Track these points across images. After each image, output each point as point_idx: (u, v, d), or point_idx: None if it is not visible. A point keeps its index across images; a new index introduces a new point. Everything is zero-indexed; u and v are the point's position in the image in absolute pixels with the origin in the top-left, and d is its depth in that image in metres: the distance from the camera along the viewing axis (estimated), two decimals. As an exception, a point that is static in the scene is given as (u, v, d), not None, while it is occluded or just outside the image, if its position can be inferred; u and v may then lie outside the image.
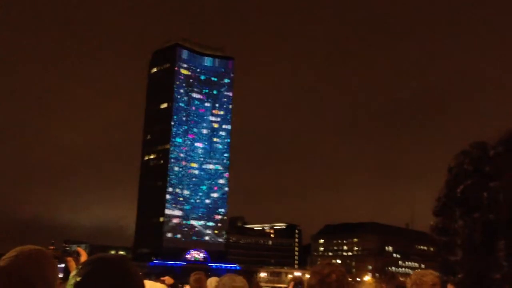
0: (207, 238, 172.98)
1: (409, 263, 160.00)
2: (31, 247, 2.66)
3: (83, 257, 3.35)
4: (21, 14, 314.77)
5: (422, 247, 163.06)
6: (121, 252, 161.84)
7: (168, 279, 8.65)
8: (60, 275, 2.85)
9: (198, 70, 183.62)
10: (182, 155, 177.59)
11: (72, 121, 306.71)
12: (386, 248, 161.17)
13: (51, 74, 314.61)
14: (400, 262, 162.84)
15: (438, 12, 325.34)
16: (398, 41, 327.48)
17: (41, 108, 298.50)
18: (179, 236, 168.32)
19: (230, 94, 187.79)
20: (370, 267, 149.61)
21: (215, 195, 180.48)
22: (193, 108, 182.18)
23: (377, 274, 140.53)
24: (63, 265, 3.33)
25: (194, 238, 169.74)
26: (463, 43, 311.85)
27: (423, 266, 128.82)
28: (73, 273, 1.93)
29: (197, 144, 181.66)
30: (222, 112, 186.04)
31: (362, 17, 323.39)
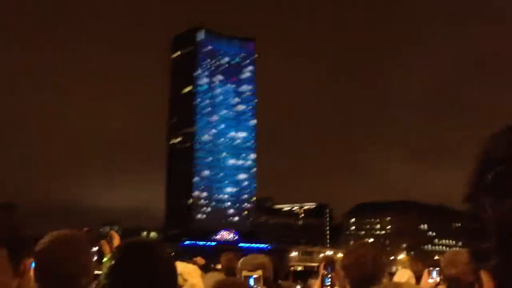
0: (236, 218, 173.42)
1: (445, 241, 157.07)
2: (65, 232, 2.73)
3: (116, 240, 3.41)
4: None
5: (457, 225, 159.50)
6: (152, 233, 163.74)
7: (199, 260, 8.80)
8: (94, 258, 2.92)
9: (220, 52, 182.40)
10: (207, 137, 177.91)
11: (102, 107, 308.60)
12: (421, 226, 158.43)
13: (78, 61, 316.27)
14: (435, 240, 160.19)
15: None
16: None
17: (74, 94, 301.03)
18: (208, 217, 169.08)
19: (253, 75, 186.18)
20: (404, 246, 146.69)
21: (243, 176, 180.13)
22: (217, 90, 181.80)
23: (412, 253, 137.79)
24: (96, 248, 3.37)
25: (224, 219, 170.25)
26: None
27: (459, 244, 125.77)
28: (108, 257, 2.07)
29: (222, 126, 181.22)
30: (246, 94, 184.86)
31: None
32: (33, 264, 2.41)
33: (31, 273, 2.35)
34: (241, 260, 4.68)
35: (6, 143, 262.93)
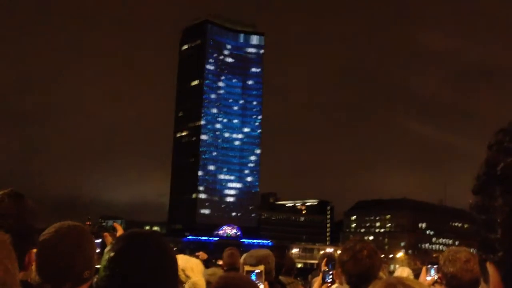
0: (239, 214, 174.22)
1: (443, 240, 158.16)
2: (69, 223, 2.68)
3: (119, 232, 3.43)
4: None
5: (456, 224, 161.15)
6: (156, 228, 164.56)
7: (202, 255, 8.72)
8: (97, 250, 2.88)
9: (228, 46, 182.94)
10: (213, 132, 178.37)
11: (109, 101, 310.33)
12: (419, 225, 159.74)
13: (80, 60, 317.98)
14: (433, 239, 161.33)
15: None
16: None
17: (77, 90, 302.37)
18: (211, 212, 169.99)
19: (261, 70, 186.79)
20: (403, 244, 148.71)
21: (247, 171, 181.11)
22: (224, 84, 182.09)
23: (410, 251, 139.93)
24: (99, 240, 3.39)
25: (227, 214, 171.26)
26: None
27: (457, 243, 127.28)
28: (107, 248, 1.96)
29: (228, 121, 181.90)
30: (253, 89, 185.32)
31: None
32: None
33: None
34: (245, 254, 4.73)
35: (15, 137, 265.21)
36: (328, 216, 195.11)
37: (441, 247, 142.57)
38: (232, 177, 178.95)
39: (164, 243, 2.03)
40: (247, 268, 3.89)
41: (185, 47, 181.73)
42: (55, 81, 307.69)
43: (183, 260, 4.05)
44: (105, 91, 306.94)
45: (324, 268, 4.80)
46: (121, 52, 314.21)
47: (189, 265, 4.11)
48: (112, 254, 1.93)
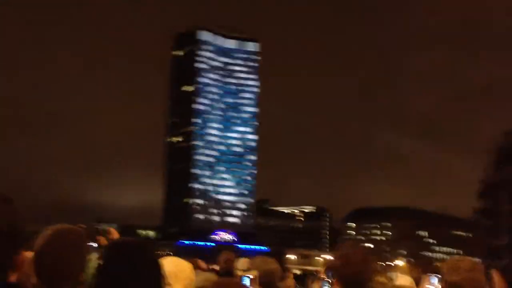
0: (235, 219, 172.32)
1: (444, 248, 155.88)
2: (64, 226, 2.71)
3: (114, 236, 3.60)
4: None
5: (457, 232, 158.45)
6: (150, 232, 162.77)
7: (200, 263, 8.56)
8: (96, 254, 2.97)
9: (221, 52, 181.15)
10: (207, 137, 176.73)
11: (101, 106, 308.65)
12: (420, 233, 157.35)
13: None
14: (434, 248, 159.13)
15: None
16: None
17: (73, 96, 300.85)
18: (206, 217, 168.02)
19: (256, 76, 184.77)
20: (403, 252, 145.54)
21: (242, 177, 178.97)
22: (217, 90, 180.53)
23: (411, 259, 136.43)
24: (95, 244, 3.48)
25: (222, 219, 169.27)
26: None
27: (459, 251, 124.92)
28: (94, 255, 2.10)
29: (222, 126, 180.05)
30: (247, 95, 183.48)
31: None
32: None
33: (30, 267, 2.45)
34: (252, 262, 4.55)
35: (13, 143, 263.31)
36: (327, 223, 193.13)
37: (442, 255, 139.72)
38: (227, 183, 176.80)
39: (152, 253, 2.11)
40: (240, 273, 4.09)
41: (177, 52, 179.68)
42: (48, 90, 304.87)
43: (172, 263, 3.82)
44: (101, 96, 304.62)
45: (323, 276, 4.76)
46: (113, 58, 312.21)
47: (176, 269, 3.85)
48: (100, 262, 2.03)
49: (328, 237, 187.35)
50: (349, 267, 3.37)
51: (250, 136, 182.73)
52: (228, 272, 6.58)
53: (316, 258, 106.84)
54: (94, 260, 1.86)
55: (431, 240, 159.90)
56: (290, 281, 8.42)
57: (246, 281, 3.72)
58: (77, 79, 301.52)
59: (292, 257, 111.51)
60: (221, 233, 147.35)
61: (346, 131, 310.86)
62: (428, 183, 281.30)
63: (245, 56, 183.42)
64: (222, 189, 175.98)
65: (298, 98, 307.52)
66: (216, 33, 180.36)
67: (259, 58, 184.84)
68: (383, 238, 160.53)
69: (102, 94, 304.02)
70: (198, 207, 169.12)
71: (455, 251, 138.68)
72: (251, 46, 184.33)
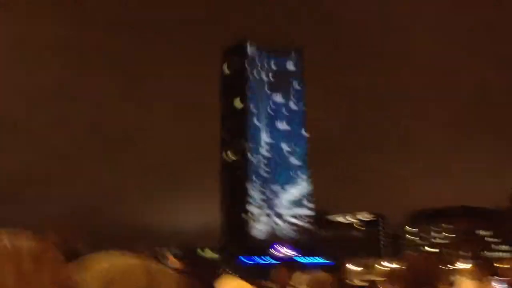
0: (293, 233, 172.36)
1: (504, 246, 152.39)
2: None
3: (171, 261, 3.73)
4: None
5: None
6: (208, 251, 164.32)
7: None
8: None
9: (269, 66, 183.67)
10: (261, 152, 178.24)
11: (151, 126, 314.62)
12: (479, 232, 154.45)
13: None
14: (494, 246, 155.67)
15: None
16: None
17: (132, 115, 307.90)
18: (265, 233, 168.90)
19: (303, 89, 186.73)
20: (464, 253, 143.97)
21: (298, 189, 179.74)
22: (269, 104, 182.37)
23: (472, 261, 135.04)
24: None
25: (281, 234, 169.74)
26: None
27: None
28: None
29: (275, 140, 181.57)
30: (296, 107, 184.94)
31: None
32: None
33: None
34: (308, 278, 4.68)
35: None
36: (383, 229, 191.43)
37: (503, 254, 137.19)
38: (283, 196, 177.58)
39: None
40: None
41: (226, 68, 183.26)
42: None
43: (233, 283, 3.97)
44: (154, 115, 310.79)
45: (387, 286, 4.68)
46: (165, 74, 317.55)
47: None
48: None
49: (386, 244, 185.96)
50: (416, 275, 3.38)
51: (303, 147, 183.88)
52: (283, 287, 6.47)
53: (379, 267, 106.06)
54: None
55: (489, 239, 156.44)
56: None
57: None
58: (130, 100, 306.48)
59: (353, 267, 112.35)
60: (281, 248, 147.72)
61: (398, 136, 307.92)
62: (479, 180, 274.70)
63: (292, 68, 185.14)
64: (279, 203, 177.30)
65: (344, 103, 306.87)
66: (262, 46, 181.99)
67: (306, 70, 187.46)
68: (444, 241, 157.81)
69: (153, 113, 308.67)
70: (256, 223, 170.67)
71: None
72: (297, 59, 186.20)
